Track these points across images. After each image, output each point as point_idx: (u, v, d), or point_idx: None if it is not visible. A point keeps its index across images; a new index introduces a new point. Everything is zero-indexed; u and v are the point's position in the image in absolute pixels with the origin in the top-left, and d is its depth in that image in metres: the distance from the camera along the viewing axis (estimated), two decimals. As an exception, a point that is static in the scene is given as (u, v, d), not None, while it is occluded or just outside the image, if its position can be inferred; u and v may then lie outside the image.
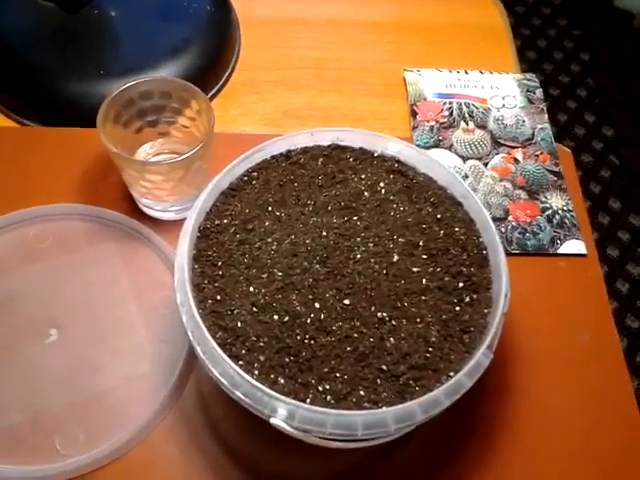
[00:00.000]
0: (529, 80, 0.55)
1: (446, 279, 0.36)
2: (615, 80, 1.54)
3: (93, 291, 0.41)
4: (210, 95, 0.52)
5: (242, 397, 0.31)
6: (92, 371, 0.39)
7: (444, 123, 0.51)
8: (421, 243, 0.37)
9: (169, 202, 0.43)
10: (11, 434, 0.36)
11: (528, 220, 0.47)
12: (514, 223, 0.46)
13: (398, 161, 0.40)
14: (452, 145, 0.50)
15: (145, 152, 0.45)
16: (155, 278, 0.42)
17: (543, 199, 0.48)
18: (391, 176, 0.40)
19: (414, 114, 0.52)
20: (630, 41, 1.59)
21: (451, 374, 0.33)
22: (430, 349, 0.34)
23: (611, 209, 1.34)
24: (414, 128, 0.51)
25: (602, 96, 1.51)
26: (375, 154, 0.40)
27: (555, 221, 0.47)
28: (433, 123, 0.51)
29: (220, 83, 0.53)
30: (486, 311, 0.35)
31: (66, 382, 0.38)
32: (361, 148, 0.40)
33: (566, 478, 0.38)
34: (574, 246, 0.46)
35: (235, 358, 0.32)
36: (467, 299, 0.35)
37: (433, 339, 0.34)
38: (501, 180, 0.48)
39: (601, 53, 1.59)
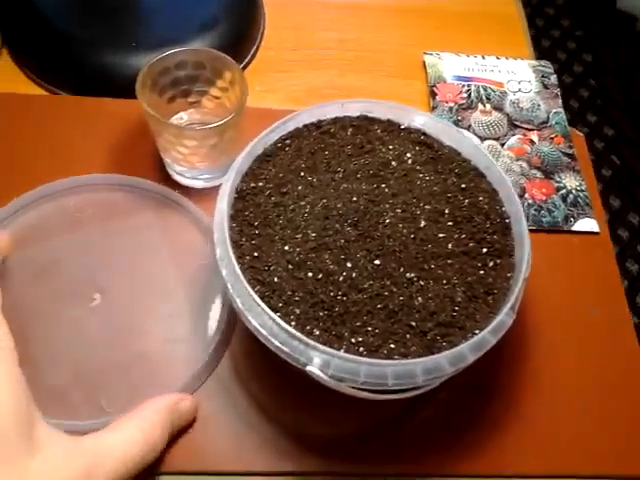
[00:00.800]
0: (544, 67, 0.57)
1: (470, 245, 0.38)
2: (617, 82, 1.57)
3: (133, 258, 0.43)
4: (236, 71, 0.54)
5: (280, 346, 0.33)
6: (134, 333, 0.40)
7: (462, 104, 0.53)
8: (446, 211, 0.39)
9: (200, 169, 0.44)
10: (58, 392, 0.37)
11: (543, 198, 0.48)
12: (530, 201, 0.48)
13: (424, 133, 0.42)
14: (470, 126, 0.52)
15: (177, 122, 0.46)
16: (193, 246, 0.43)
17: (557, 179, 0.50)
18: (417, 147, 0.41)
19: (433, 95, 0.53)
20: (632, 43, 1.61)
21: (476, 332, 0.34)
22: (456, 308, 0.35)
23: (611, 208, 1.36)
24: (433, 108, 0.53)
25: (604, 97, 1.54)
26: (402, 126, 0.42)
27: (569, 200, 0.49)
28: (452, 104, 0.53)
29: (246, 60, 0.55)
30: (509, 275, 0.37)
31: (110, 344, 0.39)
32: (389, 120, 0.42)
33: (575, 437, 0.39)
34: (587, 224, 0.48)
35: (273, 310, 0.33)
36: (491, 264, 0.37)
37: (459, 299, 0.36)
38: (517, 160, 0.50)
39: (603, 55, 1.62)
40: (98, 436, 0.32)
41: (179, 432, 0.37)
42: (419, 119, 0.42)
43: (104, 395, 0.38)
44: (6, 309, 0.34)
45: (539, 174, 0.50)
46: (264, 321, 0.33)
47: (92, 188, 0.45)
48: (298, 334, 0.32)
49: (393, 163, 0.40)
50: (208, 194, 0.46)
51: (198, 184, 0.46)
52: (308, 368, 0.32)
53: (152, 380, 0.39)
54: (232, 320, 0.41)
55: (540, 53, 1.58)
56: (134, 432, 0.33)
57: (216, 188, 0.46)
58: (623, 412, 0.41)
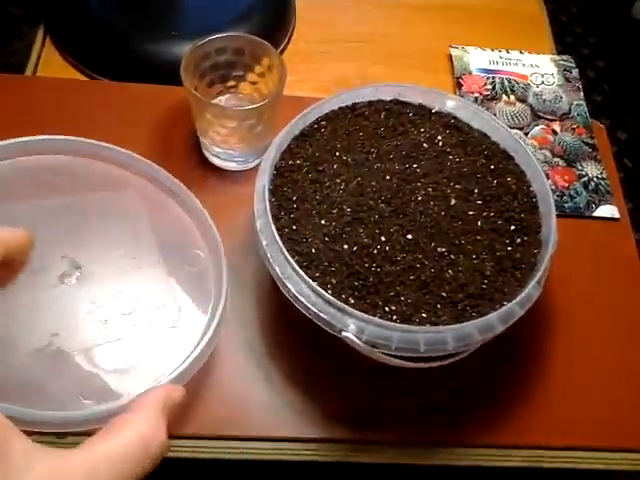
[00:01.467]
0: (566, 61, 0.58)
1: (499, 222, 0.39)
2: (629, 87, 1.58)
3: (124, 247, 0.38)
4: (268, 61, 0.56)
5: (318, 312, 0.34)
6: (120, 317, 0.36)
7: (487, 95, 0.55)
8: (476, 190, 0.40)
9: (236, 151, 0.46)
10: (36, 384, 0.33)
11: (566, 185, 0.50)
12: (553, 187, 0.50)
13: (454, 117, 0.43)
14: (495, 115, 0.53)
15: (214, 106, 0.48)
16: (185, 236, 0.40)
17: (579, 167, 0.51)
18: (447, 131, 0.43)
19: (459, 86, 0.55)
20: (646, 50, 1.62)
21: (505, 303, 0.36)
22: (485, 281, 0.37)
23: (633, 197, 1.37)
24: (459, 99, 0.54)
25: (617, 102, 1.55)
26: (433, 110, 0.44)
27: (590, 187, 0.50)
28: (477, 95, 0.54)
29: (278, 51, 0.57)
30: (536, 251, 0.38)
31: (96, 325, 0.35)
32: (420, 104, 0.44)
33: (610, 406, 0.41)
34: (608, 210, 0.49)
35: (311, 279, 0.35)
36: (518, 240, 0.39)
37: (488, 273, 0.37)
38: (541, 148, 0.52)
39: (616, 61, 1.63)
40: (89, 445, 0.27)
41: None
42: (450, 103, 0.44)
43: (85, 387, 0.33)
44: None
45: (561, 162, 0.51)
46: (302, 289, 0.35)
47: (86, 154, 0.40)
48: (335, 301, 0.34)
49: (424, 145, 0.42)
50: (241, 176, 0.48)
51: (232, 166, 0.48)
52: (344, 334, 0.34)
53: (137, 365, 0.35)
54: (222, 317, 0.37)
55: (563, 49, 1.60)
56: (129, 433, 0.28)
57: (248, 171, 0.48)
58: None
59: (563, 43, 1.65)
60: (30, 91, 0.51)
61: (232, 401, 0.39)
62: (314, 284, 0.34)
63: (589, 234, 0.48)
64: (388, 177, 0.40)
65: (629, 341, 0.44)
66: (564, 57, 0.59)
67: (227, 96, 0.48)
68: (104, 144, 0.41)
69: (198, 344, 0.35)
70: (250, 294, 0.43)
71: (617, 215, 0.49)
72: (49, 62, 0.54)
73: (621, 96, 1.56)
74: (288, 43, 0.58)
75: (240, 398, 0.40)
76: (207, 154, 0.48)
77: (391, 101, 0.44)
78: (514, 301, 0.35)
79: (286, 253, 0.35)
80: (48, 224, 0.37)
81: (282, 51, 0.58)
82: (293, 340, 0.42)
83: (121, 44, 0.51)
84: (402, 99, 0.44)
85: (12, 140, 0.39)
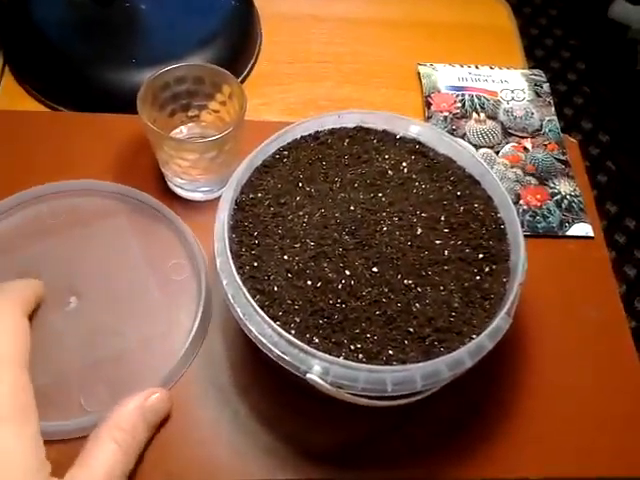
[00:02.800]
0: (536, 75, 0.58)
1: (467, 251, 0.38)
2: (610, 89, 1.58)
3: (108, 262, 0.44)
4: (234, 85, 0.55)
5: (280, 354, 0.33)
6: (112, 333, 0.41)
7: (457, 114, 0.54)
8: (442, 218, 0.39)
9: (200, 182, 0.45)
10: (38, 395, 0.36)
11: (538, 204, 0.49)
12: (525, 207, 0.49)
13: (419, 142, 0.42)
14: (465, 134, 0.53)
15: (176, 136, 0.47)
16: (166, 248, 0.44)
17: (552, 185, 0.50)
18: (413, 156, 0.42)
19: (428, 105, 0.54)
20: (624, 51, 1.63)
21: (473, 336, 0.35)
22: (453, 314, 0.36)
23: (607, 213, 1.37)
24: (428, 118, 0.54)
25: (598, 104, 1.55)
26: (397, 136, 0.43)
27: (564, 205, 0.49)
28: (446, 114, 0.54)
29: (243, 75, 0.56)
30: (505, 280, 0.37)
31: (87, 345, 0.40)
32: (384, 130, 0.43)
33: (574, 438, 0.40)
34: (582, 229, 0.48)
35: (273, 319, 0.34)
36: (487, 269, 0.38)
37: (456, 305, 0.36)
38: (512, 167, 0.51)
39: (596, 63, 1.63)
40: (80, 464, 0.32)
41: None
42: (414, 128, 0.43)
43: (84, 394, 0.38)
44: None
45: (533, 180, 0.50)
46: (264, 330, 0.34)
47: (66, 194, 0.46)
48: (298, 342, 0.33)
49: (389, 172, 0.41)
50: (207, 207, 0.47)
51: (197, 196, 0.47)
52: (308, 375, 0.33)
53: (132, 377, 0.40)
54: (206, 318, 0.42)
55: (534, 62, 1.60)
56: (110, 446, 0.33)
57: (215, 200, 0.47)
58: (620, 414, 0.41)
59: (544, 47, 1.65)
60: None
61: (199, 442, 0.38)
62: (276, 325, 0.33)
63: (563, 254, 0.48)
64: (352, 207, 0.39)
65: (607, 366, 0.43)
66: (535, 71, 0.58)
67: (190, 125, 0.47)
68: (94, 181, 0.47)
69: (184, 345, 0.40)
70: (218, 330, 0.42)
71: (591, 233, 0.48)
72: (8, 92, 0.53)
73: (602, 98, 1.56)
74: (254, 65, 0.57)
75: (208, 438, 0.39)
76: (170, 185, 0.47)
77: (354, 128, 0.43)
78: (483, 334, 0.34)
79: (247, 293, 0.34)
80: (50, 261, 0.43)
81: (248, 73, 0.57)
82: (263, 378, 0.40)
83: (80, 73, 0.50)
84: (366, 125, 0.43)
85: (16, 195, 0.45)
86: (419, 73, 0.57)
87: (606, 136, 1.50)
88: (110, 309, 0.42)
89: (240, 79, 0.55)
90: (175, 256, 0.44)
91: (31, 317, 0.39)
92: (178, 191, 0.47)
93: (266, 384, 0.40)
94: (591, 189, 0.51)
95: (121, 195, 0.46)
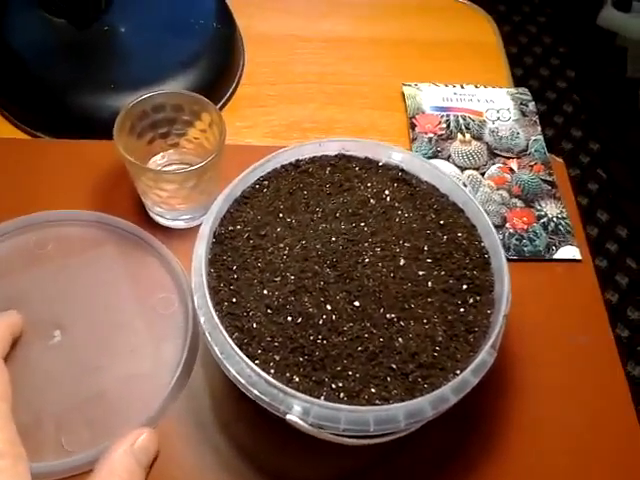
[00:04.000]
0: (522, 94, 0.57)
1: (450, 282, 0.38)
2: (600, 96, 1.58)
3: (94, 293, 0.43)
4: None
5: (259, 395, 0.32)
6: (95, 370, 0.40)
7: (442, 135, 0.53)
8: (426, 248, 0.39)
9: (180, 211, 0.44)
10: (18, 432, 0.36)
11: (524, 227, 0.49)
12: (511, 230, 0.48)
13: (402, 170, 0.42)
14: (450, 156, 0.52)
15: (156, 163, 0.46)
16: (154, 280, 0.44)
17: (538, 207, 0.50)
18: (395, 184, 0.41)
19: (413, 126, 0.54)
20: (613, 58, 1.63)
21: (457, 372, 0.34)
22: (437, 348, 0.35)
23: (599, 221, 1.37)
24: (413, 140, 0.53)
25: (588, 112, 1.56)
26: (380, 163, 0.42)
27: (550, 228, 0.49)
28: (431, 135, 0.53)
29: (225, 97, 0.55)
30: (489, 312, 0.37)
31: (70, 381, 0.39)
32: (366, 157, 0.42)
33: (563, 474, 0.39)
34: (569, 252, 0.48)
35: (251, 358, 0.33)
36: (471, 301, 0.37)
37: (440, 339, 0.35)
38: (498, 189, 0.50)
39: (586, 70, 1.64)
40: None
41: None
42: (396, 156, 0.42)
43: (65, 435, 0.37)
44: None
45: (519, 203, 0.50)
46: (242, 369, 0.33)
47: (53, 224, 0.45)
48: (277, 383, 0.32)
49: (372, 201, 0.40)
50: (189, 234, 0.46)
51: (179, 225, 0.46)
52: (288, 417, 0.32)
53: (114, 417, 0.38)
54: (193, 353, 0.41)
55: (523, 70, 1.60)
56: None
57: (197, 228, 0.46)
58: (611, 446, 0.40)
59: (534, 55, 1.65)
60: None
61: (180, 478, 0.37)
62: (254, 365, 0.33)
63: (550, 278, 0.47)
64: (334, 238, 0.38)
65: (597, 395, 0.42)
66: (520, 90, 0.57)
67: (170, 152, 0.47)
68: (83, 211, 0.46)
69: (172, 380, 0.39)
70: (203, 364, 0.41)
71: (578, 256, 0.48)
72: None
73: (592, 105, 1.56)
74: (237, 87, 0.56)
75: (190, 476, 0.38)
76: (151, 214, 0.46)
77: (336, 156, 0.42)
78: (467, 370, 0.34)
79: (224, 332, 0.33)
80: (35, 293, 0.43)
81: (231, 95, 0.56)
82: (245, 413, 0.40)
83: (57, 99, 0.49)
84: (347, 153, 0.42)
85: (6, 223, 0.45)
86: (403, 94, 0.56)
87: (597, 144, 1.50)
88: (95, 344, 0.41)
89: (222, 102, 0.55)
90: (163, 289, 0.43)
91: (9, 354, 0.38)
92: (159, 220, 0.46)
93: (249, 420, 0.39)
94: (578, 209, 0.51)
95: (109, 225, 0.45)
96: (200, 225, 0.38)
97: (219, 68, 0.54)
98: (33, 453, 0.36)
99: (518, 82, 0.61)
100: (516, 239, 0.48)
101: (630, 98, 1.55)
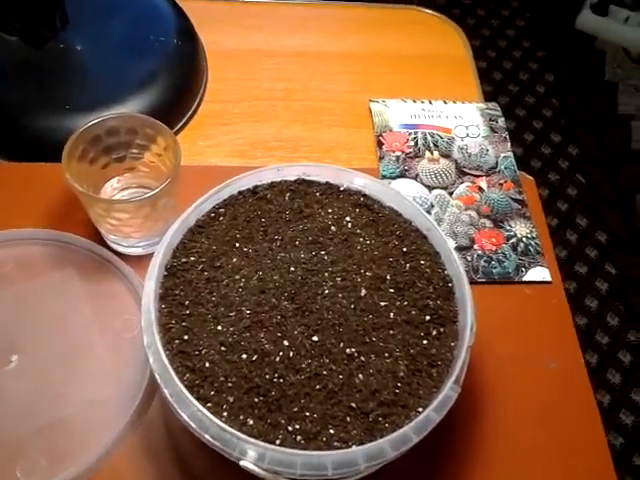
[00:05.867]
0: (492, 109, 0.56)
1: (413, 312, 0.36)
2: (579, 100, 1.58)
3: (55, 316, 0.42)
4: (178, 127, 0.52)
5: (211, 440, 0.31)
6: (55, 396, 0.39)
7: (409, 153, 0.52)
8: (388, 277, 0.37)
9: (136, 238, 0.43)
10: None
11: (493, 248, 0.47)
12: (480, 252, 0.47)
13: (364, 195, 0.41)
14: (418, 175, 0.51)
15: (112, 187, 0.44)
16: (117, 302, 0.42)
17: (508, 227, 0.49)
18: (357, 210, 0.40)
19: (380, 145, 0.52)
20: (592, 62, 1.64)
21: (420, 409, 0.33)
22: (399, 384, 0.34)
23: (578, 226, 1.37)
24: (380, 158, 0.52)
25: (567, 116, 1.56)
26: (341, 188, 0.41)
27: (520, 249, 0.48)
28: (399, 153, 0.52)
29: (188, 115, 0.53)
30: (453, 344, 0.36)
31: (28, 408, 0.38)
32: (327, 182, 0.41)
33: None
34: (539, 273, 0.47)
35: (203, 400, 0.32)
36: (434, 332, 0.36)
37: (402, 374, 0.34)
38: (466, 209, 0.49)
39: (564, 74, 1.64)
40: None
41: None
42: (358, 181, 0.41)
43: (21, 464, 0.36)
44: None
45: (488, 223, 0.49)
46: (193, 413, 0.31)
47: (13, 243, 0.44)
48: (229, 428, 0.30)
49: (333, 228, 0.39)
50: (147, 260, 0.44)
51: (136, 251, 0.44)
52: (242, 463, 0.31)
53: (73, 445, 0.37)
54: (154, 379, 0.39)
55: (503, 74, 1.60)
56: None
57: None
58: (582, 468, 0.39)
59: (513, 59, 1.65)
60: None
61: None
62: (206, 409, 0.31)
63: (520, 300, 0.46)
64: (293, 268, 0.37)
65: (568, 421, 0.41)
66: (490, 105, 0.56)
67: (127, 175, 0.45)
68: (43, 230, 0.45)
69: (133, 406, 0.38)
70: (156, 398, 0.39)
71: (548, 278, 0.47)
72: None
73: (571, 110, 1.56)
74: (200, 104, 0.55)
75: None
76: (107, 241, 0.44)
77: (296, 181, 0.41)
78: (430, 407, 0.33)
79: (173, 374, 0.32)
80: None
81: (194, 113, 0.54)
82: (201, 450, 0.38)
83: (11, 121, 0.48)
84: (308, 178, 0.41)
85: None
86: (370, 110, 0.55)
87: (576, 148, 1.50)
88: (54, 369, 0.40)
89: (184, 120, 0.53)
90: (126, 311, 0.42)
91: None
92: (115, 247, 0.44)
93: (206, 458, 0.38)
94: (547, 229, 0.50)
95: (68, 244, 0.44)
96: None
97: (181, 86, 0.53)
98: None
99: (496, 87, 0.60)
100: (485, 261, 0.47)
101: (609, 101, 1.56)
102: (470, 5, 1.74)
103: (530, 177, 0.53)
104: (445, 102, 0.56)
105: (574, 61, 1.66)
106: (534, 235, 0.49)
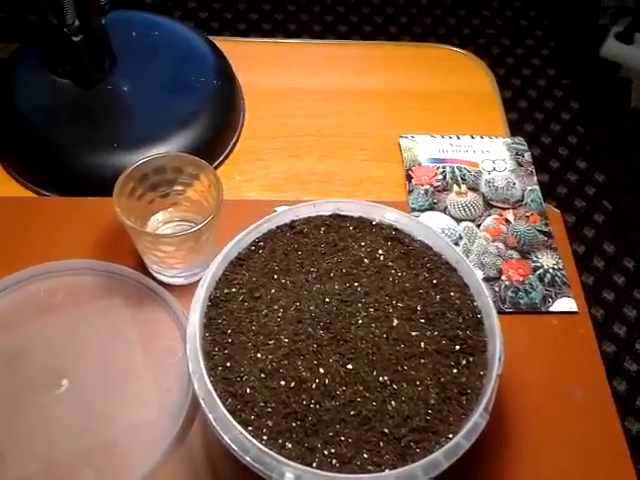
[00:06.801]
0: (518, 144, 0.58)
1: (443, 342, 0.38)
2: (604, 127, 1.59)
3: (102, 342, 0.44)
4: (217, 163, 0.55)
5: (251, 462, 0.33)
6: (101, 419, 0.41)
7: (438, 186, 0.54)
8: (419, 308, 0.39)
9: (179, 269, 0.45)
10: None
11: (520, 279, 0.49)
12: (507, 282, 0.49)
13: (395, 229, 0.43)
14: (446, 207, 0.53)
15: (157, 220, 0.47)
16: (160, 329, 0.45)
17: (534, 258, 0.50)
18: (389, 243, 0.42)
19: (409, 178, 0.55)
20: (617, 89, 1.64)
21: (450, 436, 0.34)
22: (430, 411, 0.35)
23: (605, 252, 1.36)
24: (410, 192, 0.54)
25: (592, 143, 1.56)
26: (374, 222, 0.43)
27: (546, 280, 0.49)
28: (427, 187, 0.54)
29: (226, 152, 0.56)
30: (482, 373, 0.37)
31: (76, 430, 0.41)
32: (360, 217, 0.43)
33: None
34: (565, 304, 0.48)
35: (245, 424, 0.34)
36: (464, 362, 0.37)
37: (432, 401, 0.36)
38: (494, 241, 0.51)
39: (590, 101, 1.65)
40: None
41: None
42: (390, 215, 0.43)
43: None
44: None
45: (515, 254, 0.50)
46: (235, 436, 0.33)
47: (64, 273, 0.47)
48: (269, 451, 0.32)
49: (365, 260, 0.41)
50: (188, 289, 0.47)
51: (178, 281, 0.47)
52: (280, 484, 0.32)
53: (119, 466, 0.39)
54: (196, 403, 0.41)
55: (528, 102, 1.61)
56: None
57: (196, 284, 0.47)
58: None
59: (537, 87, 1.67)
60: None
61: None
62: (247, 433, 0.33)
63: (546, 330, 0.47)
64: (328, 299, 0.39)
65: (594, 451, 0.42)
66: (516, 139, 0.58)
67: (171, 210, 0.48)
68: (92, 261, 0.47)
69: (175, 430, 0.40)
70: (197, 423, 0.42)
71: (575, 308, 0.48)
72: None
73: (597, 137, 1.57)
74: (237, 141, 0.58)
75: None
76: (151, 271, 0.47)
77: (330, 215, 0.43)
78: (460, 434, 0.34)
79: (217, 399, 0.34)
80: (44, 342, 0.44)
81: (231, 150, 0.57)
82: (241, 473, 0.40)
83: (62, 159, 0.51)
84: (341, 213, 0.43)
85: (19, 273, 0.46)
86: (400, 146, 0.57)
87: (602, 175, 1.50)
88: (101, 393, 0.42)
89: (223, 156, 0.56)
90: (169, 338, 0.44)
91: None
92: (159, 277, 0.47)
93: (244, 479, 0.40)
94: (574, 259, 0.51)
95: (116, 275, 0.47)
96: (198, 281, 0.39)
97: (220, 124, 0.56)
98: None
99: (513, 126, 0.62)
100: (512, 291, 0.48)
101: (635, 128, 1.56)
102: (495, 35, 1.78)
103: (556, 210, 0.54)
104: (472, 137, 0.58)
105: (599, 89, 1.67)
106: (560, 266, 0.50)
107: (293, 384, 0.36)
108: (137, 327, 0.45)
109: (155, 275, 0.47)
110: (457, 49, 0.67)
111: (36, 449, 0.40)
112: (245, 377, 0.36)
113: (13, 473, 0.39)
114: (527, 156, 0.57)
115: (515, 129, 0.59)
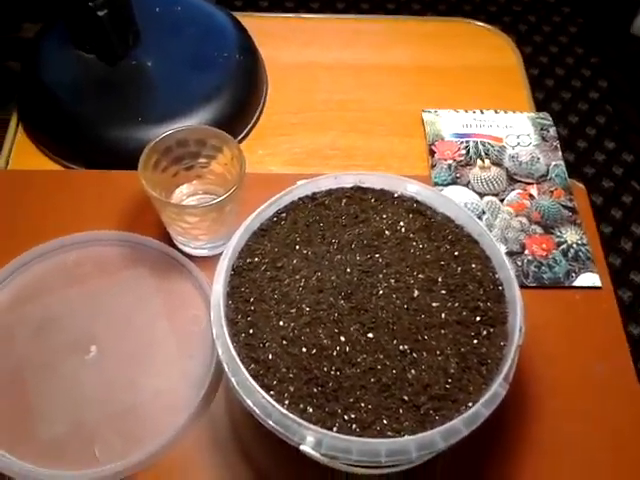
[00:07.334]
0: (542, 119, 0.57)
1: (464, 313, 0.38)
2: (633, 107, 1.55)
3: (128, 311, 0.45)
4: (240, 137, 0.56)
5: (273, 425, 0.33)
6: (126, 384, 0.43)
7: (461, 161, 0.54)
8: (440, 279, 0.39)
9: (203, 240, 0.46)
10: (55, 444, 0.40)
11: (544, 254, 0.49)
12: (530, 257, 0.48)
13: (417, 201, 0.43)
14: (469, 182, 0.52)
15: (181, 193, 0.48)
16: (185, 298, 0.46)
17: (558, 233, 0.50)
18: (410, 215, 0.42)
19: (432, 153, 0.54)
20: (648, 68, 1.60)
21: (470, 404, 0.35)
22: (449, 380, 0.36)
23: (633, 234, 1.34)
24: (432, 166, 0.54)
25: (621, 122, 1.53)
26: (395, 195, 0.43)
27: (570, 255, 0.49)
28: (450, 161, 0.54)
29: (249, 126, 0.57)
30: (502, 344, 0.37)
31: (104, 395, 0.42)
32: (382, 189, 0.43)
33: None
34: (589, 279, 0.48)
35: (267, 388, 0.34)
36: (484, 332, 0.38)
37: (452, 371, 0.36)
38: (517, 215, 0.51)
39: (619, 80, 1.61)
40: None
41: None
42: (411, 187, 0.43)
43: (98, 445, 0.40)
44: (6, 364, 0.37)
45: (539, 229, 0.50)
46: (258, 400, 0.34)
47: (91, 244, 0.48)
48: (291, 415, 0.33)
49: (387, 232, 0.41)
50: (212, 261, 0.47)
51: (202, 252, 0.47)
52: (301, 447, 0.33)
53: (144, 430, 0.41)
54: (219, 371, 0.42)
55: (555, 81, 1.58)
56: None
57: (219, 255, 0.47)
58: (632, 471, 0.40)
59: (565, 65, 1.63)
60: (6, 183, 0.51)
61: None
62: (269, 396, 0.34)
63: (569, 305, 0.47)
64: (349, 270, 0.39)
65: (615, 425, 0.42)
66: (541, 114, 0.58)
67: (194, 182, 0.48)
68: (118, 232, 0.49)
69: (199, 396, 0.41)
70: (223, 385, 0.42)
71: (599, 283, 0.47)
72: (22, 150, 0.55)
73: (625, 116, 1.53)
74: (260, 115, 0.58)
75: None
76: (176, 242, 0.48)
77: (352, 188, 0.43)
78: (479, 402, 0.34)
79: (240, 364, 0.35)
80: (72, 310, 0.45)
81: (255, 124, 0.57)
82: (264, 438, 0.41)
83: (89, 133, 0.52)
84: (363, 185, 0.43)
85: (47, 244, 0.47)
86: (423, 120, 0.57)
87: (630, 155, 1.47)
88: (128, 359, 0.43)
89: (246, 131, 0.56)
90: (193, 307, 0.46)
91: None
92: (184, 248, 0.47)
93: (267, 445, 0.40)
94: (599, 236, 0.51)
95: (142, 246, 0.48)
96: (221, 253, 0.39)
97: (243, 98, 0.56)
98: (67, 463, 0.39)
99: (548, 94, 0.61)
100: (535, 266, 0.48)
101: (666, 108, 1.52)
102: (521, 12, 1.74)
103: (581, 185, 0.54)
104: (496, 112, 0.57)
105: (629, 67, 1.63)
106: (584, 241, 0.49)
107: (314, 351, 0.36)
108: (162, 297, 0.46)
109: (180, 247, 0.48)
110: (481, 23, 0.66)
111: (65, 412, 0.41)
112: (267, 343, 0.36)
113: (44, 434, 0.40)
114: (552, 131, 0.56)
115: (542, 108, 0.58)
